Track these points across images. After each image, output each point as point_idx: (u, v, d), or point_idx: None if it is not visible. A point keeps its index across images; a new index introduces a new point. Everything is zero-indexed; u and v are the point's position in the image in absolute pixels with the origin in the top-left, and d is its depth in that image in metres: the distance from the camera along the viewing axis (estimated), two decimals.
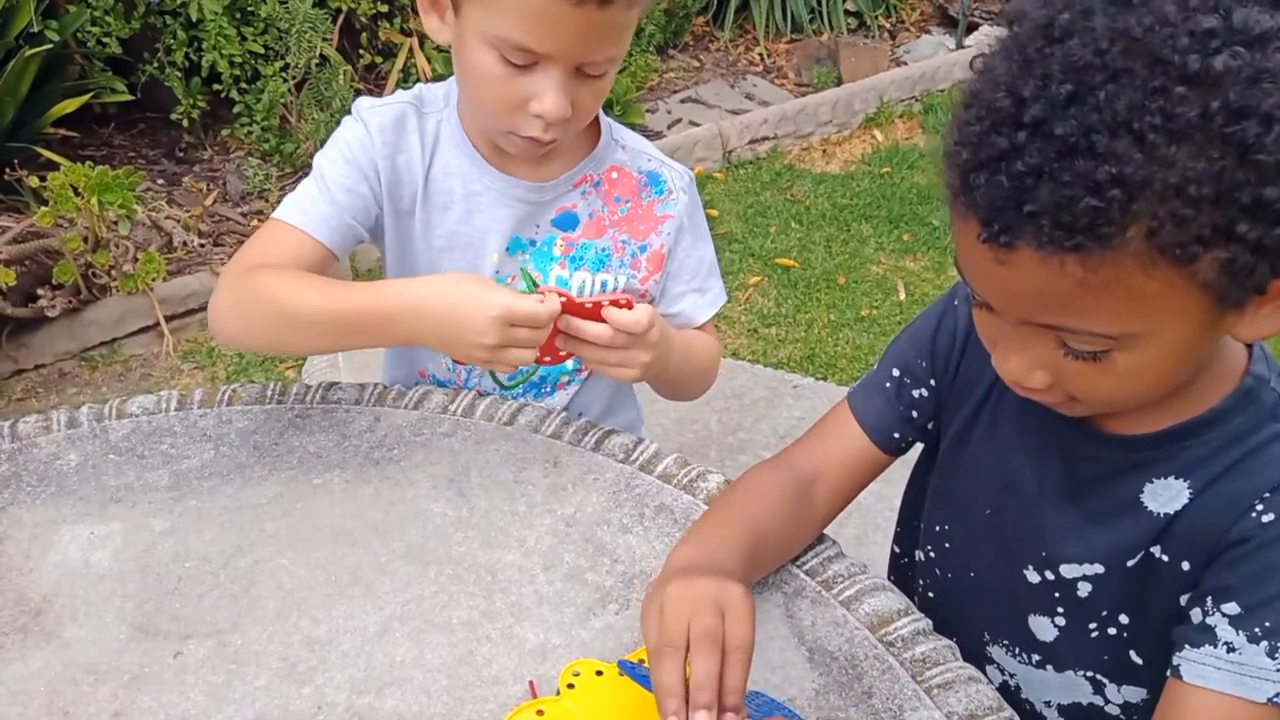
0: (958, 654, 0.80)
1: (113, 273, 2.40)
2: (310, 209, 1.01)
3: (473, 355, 0.89)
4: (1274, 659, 0.68)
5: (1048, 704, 0.88)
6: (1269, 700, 0.68)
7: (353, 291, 0.94)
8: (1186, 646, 0.72)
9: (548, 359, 0.95)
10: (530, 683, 0.77)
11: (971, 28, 3.95)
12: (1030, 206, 0.57)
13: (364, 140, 1.02)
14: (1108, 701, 0.85)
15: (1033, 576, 0.83)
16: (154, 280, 2.43)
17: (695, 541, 0.81)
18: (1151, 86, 0.55)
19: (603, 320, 0.91)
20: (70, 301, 2.42)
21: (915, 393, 0.89)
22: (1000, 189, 0.58)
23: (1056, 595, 0.82)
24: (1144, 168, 0.55)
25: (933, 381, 0.89)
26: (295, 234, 0.99)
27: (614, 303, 0.91)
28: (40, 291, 2.37)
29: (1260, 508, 0.71)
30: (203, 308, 2.61)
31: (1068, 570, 0.81)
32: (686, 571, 0.73)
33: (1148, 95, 0.55)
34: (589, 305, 0.91)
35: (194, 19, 2.90)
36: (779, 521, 0.84)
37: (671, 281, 1.13)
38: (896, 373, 0.90)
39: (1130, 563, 0.77)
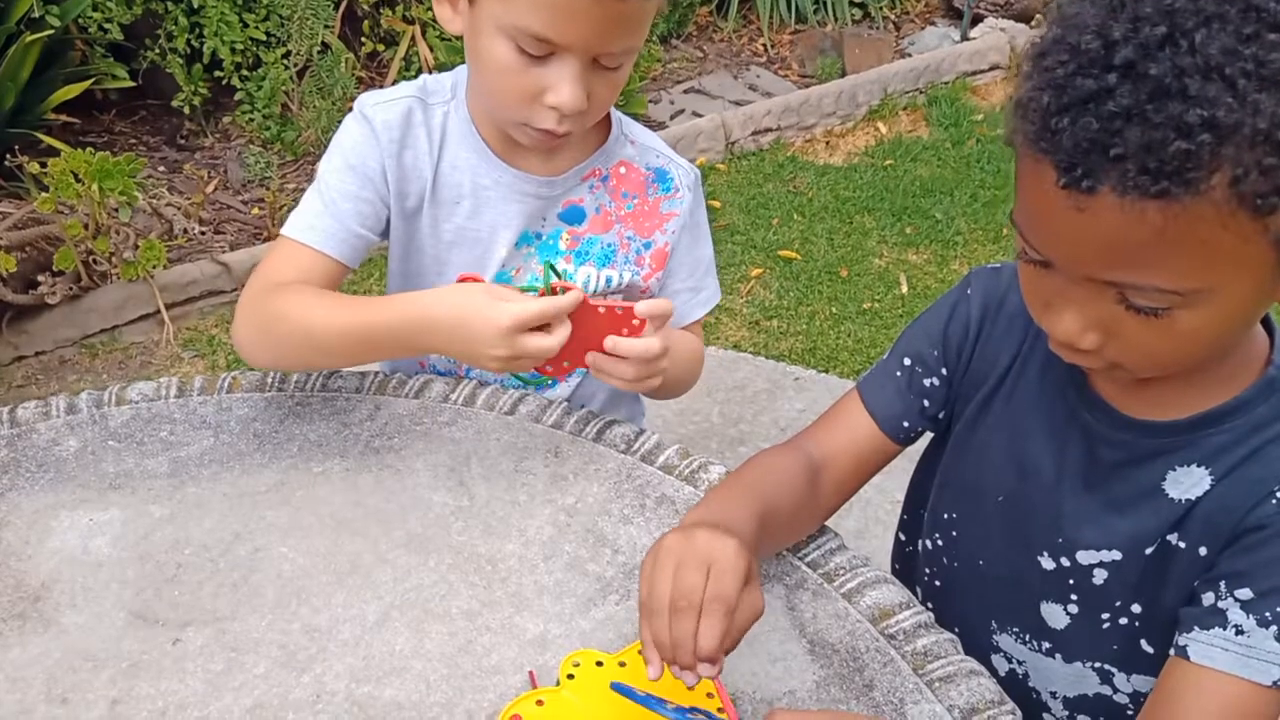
0: (959, 647, 0.79)
1: (113, 260, 2.39)
2: (316, 224, 1.00)
3: (487, 366, 0.89)
4: None
5: (1053, 695, 0.88)
6: (1274, 683, 0.68)
7: (368, 308, 0.95)
8: (1195, 628, 0.72)
9: (549, 369, 0.92)
10: (530, 673, 0.77)
11: (976, 19, 3.93)
12: (1117, 150, 0.56)
13: (367, 142, 1.01)
14: (1116, 691, 0.85)
15: (1047, 563, 0.83)
16: (154, 268, 2.42)
17: (707, 504, 0.80)
18: (1244, 33, 0.55)
19: (613, 327, 0.89)
20: (71, 288, 2.42)
21: (927, 382, 0.89)
22: (1087, 130, 0.57)
23: (1071, 582, 0.82)
24: (1235, 112, 0.55)
25: (944, 370, 0.88)
26: (305, 252, 0.99)
27: (620, 320, 0.89)
28: (41, 278, 2.37)
29: (1279, 494, 0.70)
30: (203, 295, 2.61)
31: (1084, 557, 0.81)
32: (688, 526, 0.73)
33: (1240, 41, 0.55)
34: (602, 310, 0.89)
35: (195, 5, 2.89)
36: (790, 500, 0.84)
37: (669, 279, 1.12)
38: (908, 362, 0.90)
39: (1148, 550, 0.77)
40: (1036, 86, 0.60)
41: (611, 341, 0.89)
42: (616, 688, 0.71)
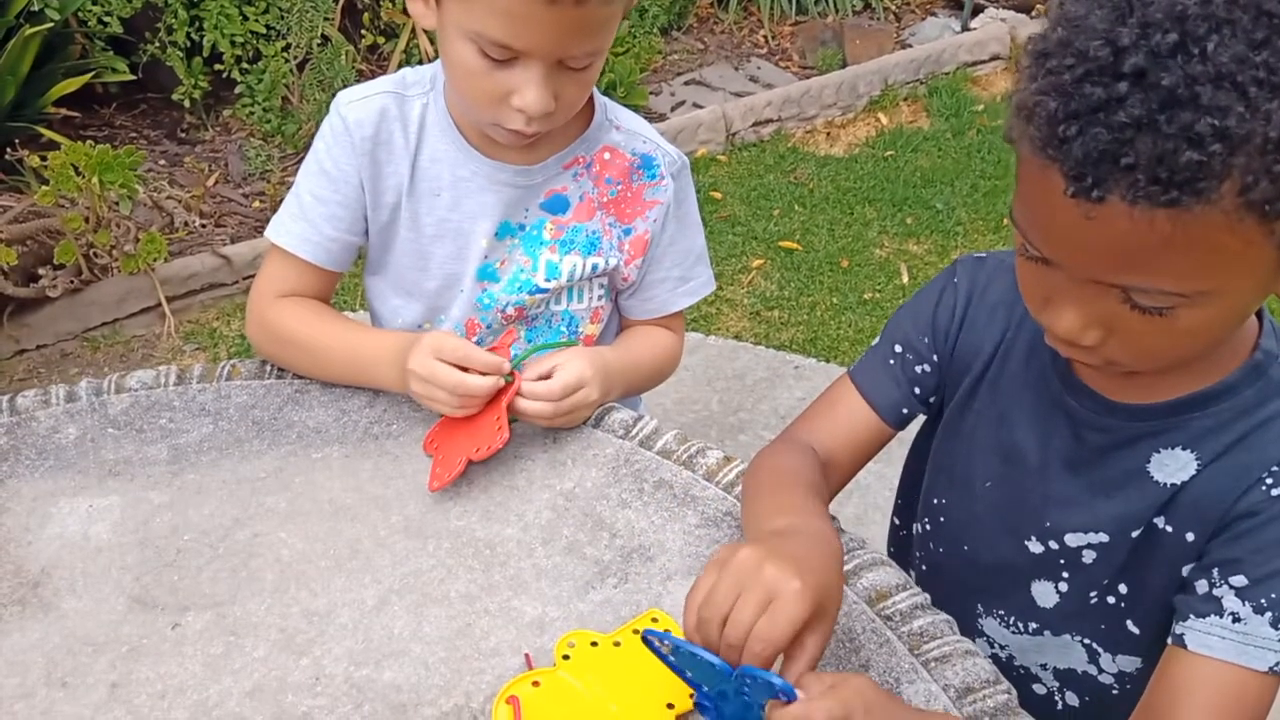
0: (955, 628, 0.80)
1: (114, 253, 2.40)
2: (292, 228, 1.05)
3: (409, 384, 0.95)
4: (1278, 629, 0.69)
5: (1043, 667, 0.89)
6: (1270, 669, 0.69)
7: (360, 337, 1.05)
8: (1191, 616, 0.72)
9: (479, 450, 0.92)
10: (526, 655, 0.77)
11: (977, 10, 3.92)
12: (1127, 160, 0.56)
13: (339, 143, 1.02)
14: (1101, 671, 0.85)
15: (1035, 547, 0.83)
16: (155, 261, 2.42)
17: (781, 514, 0.75)
18: (1255, 38, 0.54)
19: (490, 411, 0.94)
20: (72, 281, 2.42)
21: (918, 368, 0.89)
22: (1098, 141, 0.56)
23: (1061, 562, 0.83)
24: (1247, 122, 0.54)
25: (935, 357, 0.89)
26: (292, 261, 1.06)
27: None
28: (42, 271, 2.37)
29: (1270, 481, 0.71)
30: (204, 288, 2.61)
31: (1072, 539, 0.81)
32: (779, 537, 0.70)
33: (1252, 47, 0.54)
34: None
35: None
36: (824, 492, 0.84)
37: (651, 268, 1.12)
38: (899, 349, 0.90)
39: (1135, 533, 0.78)
40: (1041, 90, 0.59)
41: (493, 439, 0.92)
42: (649, 635, 0.69)
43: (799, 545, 0.70)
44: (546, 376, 0.95)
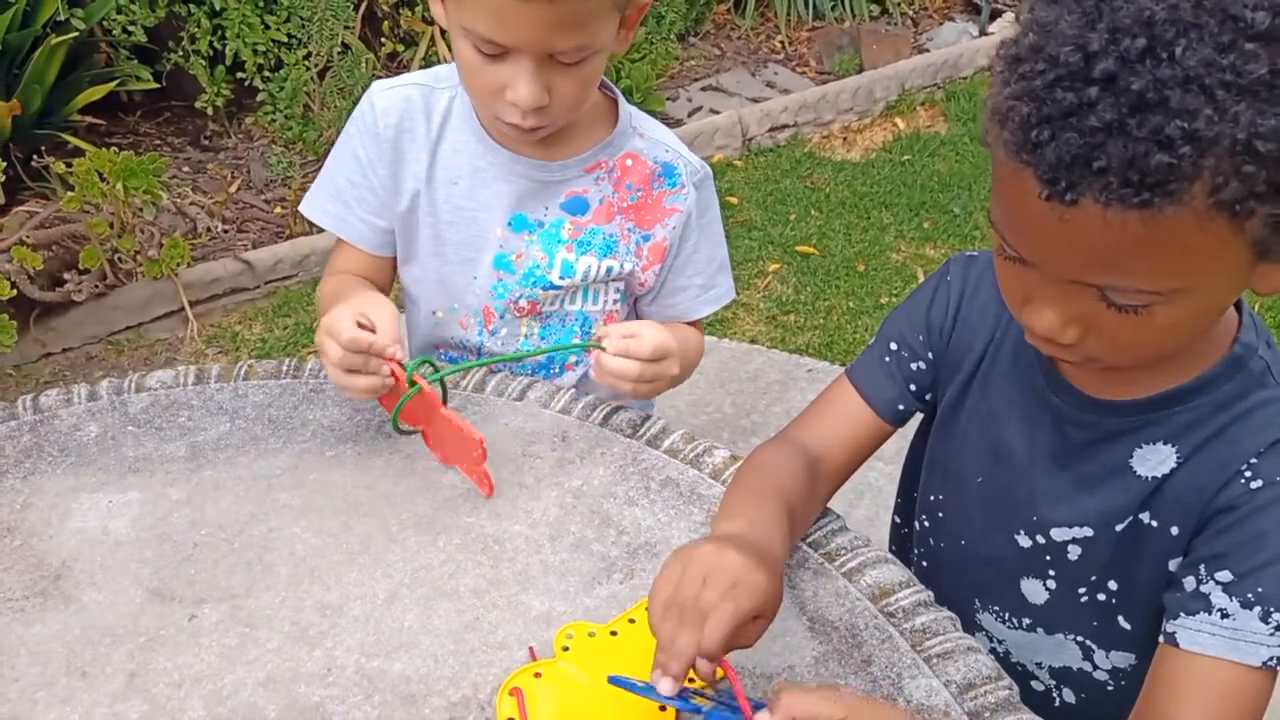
0: (958, 625, 0.80)
1: (138, 258, 2.43)
2: (329, 208, 1.11)
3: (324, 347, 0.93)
4: (1268, 623, 0.69)
5: (1039, 665, 0.89)
6: (1263, 664, 0.69)
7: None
8: (1182, 614, 0.72)
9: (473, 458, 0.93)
10: (530, 648, 0.79)
11: (995, 14, 3.91)
12: (1099, 163, 0.57)
13: (367, 130, 1.07)
14: (1096, 668, 0.86)
15: (1024, 541, 0.84)
16: (179, 266, 2.46)
17: (739, 517, 0.78)
18: (1222, 41, 0.55)
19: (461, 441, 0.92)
20: (96, 286, 2.46)
21: (913, 366, 0.90)
22: (1070, 145, 0.57)
23: (1048, 559, 0.83)
24: (1215, 124, 0.55)
25: (930, 354, 0.90)
26: (341, 243, 1.13)
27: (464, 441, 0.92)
28: (67, 276, 2.41)
29: (1249, 474, 0.71)
30: (227, 293, 2.65)
31: (1058, 534, 0.82)
32: (726, 540, 0.72)
33: (1219, 50, 0.55)
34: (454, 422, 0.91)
35: (218, 7, 2.93)
36: (800, 498, 0.85)
37: (673, 275, 1.14)
38: (894, 347, 0.91)
39: (1119, 527, 0.78)
40: (1014, 95, 0.60)
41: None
42: (615, 681, 0.71)
43: (747, 545, 0.72)
44: (630, 337, 0.96)
